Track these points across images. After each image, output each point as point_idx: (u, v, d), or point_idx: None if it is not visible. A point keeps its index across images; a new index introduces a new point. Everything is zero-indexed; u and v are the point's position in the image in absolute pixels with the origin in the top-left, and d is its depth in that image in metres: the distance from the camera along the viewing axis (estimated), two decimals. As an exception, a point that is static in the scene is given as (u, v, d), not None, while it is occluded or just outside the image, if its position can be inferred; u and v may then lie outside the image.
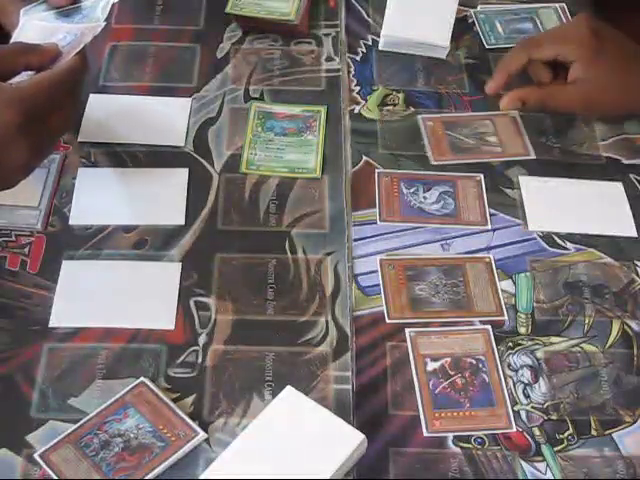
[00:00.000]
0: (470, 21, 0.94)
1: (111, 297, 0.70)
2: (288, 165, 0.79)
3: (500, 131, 0.83)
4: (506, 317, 0.70)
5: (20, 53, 0.67)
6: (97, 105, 0.83)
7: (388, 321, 0.69)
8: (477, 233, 0.75)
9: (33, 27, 0.73)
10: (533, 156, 0.81)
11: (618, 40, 0.81)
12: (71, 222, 0.75)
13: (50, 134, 0.66)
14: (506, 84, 0.81)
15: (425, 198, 0.78)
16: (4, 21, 0.77)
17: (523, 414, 0.65)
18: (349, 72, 0.88)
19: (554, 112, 0.82)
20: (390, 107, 0.85)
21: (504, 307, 0.70)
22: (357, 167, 0.80)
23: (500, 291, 0.71)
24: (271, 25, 0.90)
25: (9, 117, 0.61)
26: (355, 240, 0.74)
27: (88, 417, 0.62)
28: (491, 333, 0.69)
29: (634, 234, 0.76)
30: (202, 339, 0.68)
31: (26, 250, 0.72)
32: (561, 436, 0.64)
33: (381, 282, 0.72)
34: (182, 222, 0.75)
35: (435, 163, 0.80)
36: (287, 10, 0.89)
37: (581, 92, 0.78)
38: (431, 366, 0.67)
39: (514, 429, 0.64)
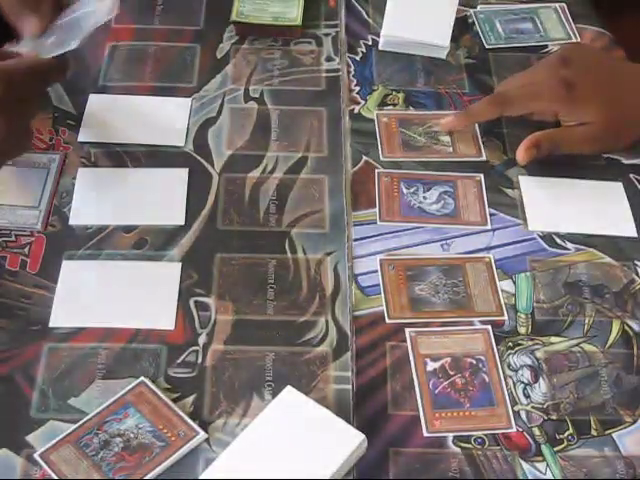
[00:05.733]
0: (470, 21, 0.94)
1: (111, 297, 0.70)
2: (272, 15, 0.90)
3: (454, 131, 0.83)
4: (506, 317, 0.70)
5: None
6: (97, 105, 0.83)
7: (388, 321, 0.69)
8: (477, 233, 0.75)
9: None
10: (484, 158, 0.81)
11: (590, 71, 0.78)
12: (71, 222, 0.74)
13: (23, 116, 0.69)
14: (464, 127, 0.82)
15: (425, 198, 0.78)
16: (17, 24, 0.76)
17: (523, 414, 0.65)
18: (349, 72, 0.88)
19: (566, 152, 0.80)
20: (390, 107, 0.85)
21: (504, 307, 0.70)
22: (357, 167, 0.80)
23: (500, 291, 0.71)
24: (267, 29, 0.90)
25: None
26: (355, 240, 0.74)
27: (88, 417, 0.62)
28: (491, 333, 0.69)
29: (634, 234, 0.76)
30: (202, 339, 0.68)
31: (26, 250, 0.72)
32: (561, 436, 0.64)
33: (381, 282, 0.72)
34: (182, 222, 0.75)
35: (384, 159, 0.80)
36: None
37: (587, 132, 0.78)
38: (431, 366, 0.67)
39: (514, 429, 0.64)
